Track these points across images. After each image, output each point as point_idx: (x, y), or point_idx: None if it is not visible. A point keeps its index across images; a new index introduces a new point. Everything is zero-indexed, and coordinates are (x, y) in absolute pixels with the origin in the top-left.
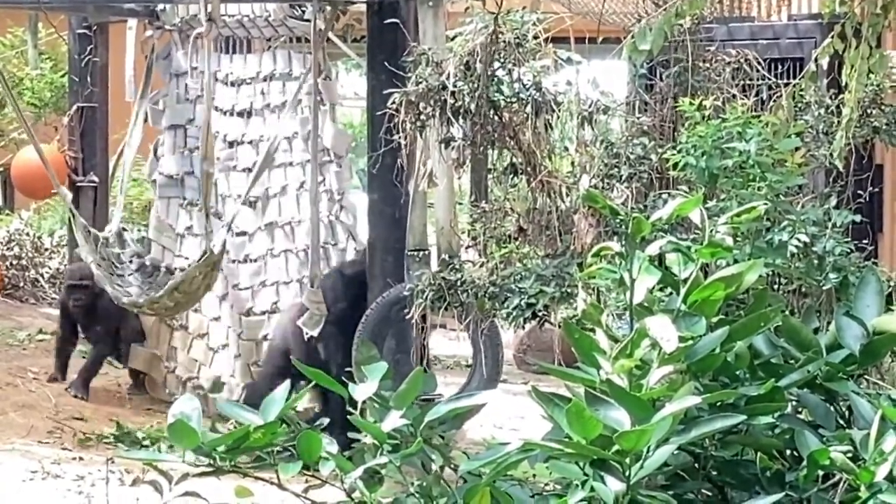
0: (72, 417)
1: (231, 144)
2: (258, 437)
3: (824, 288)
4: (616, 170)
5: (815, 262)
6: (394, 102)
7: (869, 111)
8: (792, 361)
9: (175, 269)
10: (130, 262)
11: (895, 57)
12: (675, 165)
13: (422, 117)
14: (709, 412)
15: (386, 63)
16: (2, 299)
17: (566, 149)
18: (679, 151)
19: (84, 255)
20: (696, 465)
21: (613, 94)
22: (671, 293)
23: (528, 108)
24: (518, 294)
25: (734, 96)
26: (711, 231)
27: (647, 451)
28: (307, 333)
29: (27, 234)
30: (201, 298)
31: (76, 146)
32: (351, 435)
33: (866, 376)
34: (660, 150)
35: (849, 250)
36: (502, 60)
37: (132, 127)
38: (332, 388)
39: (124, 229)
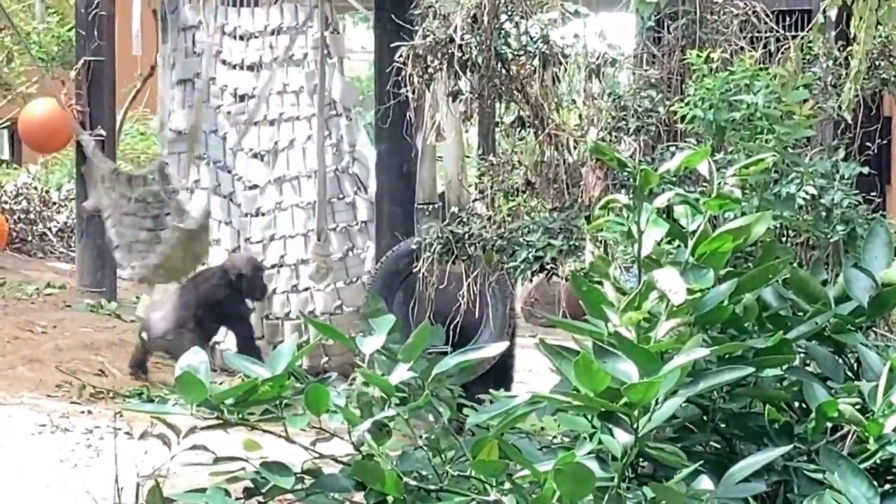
0: (80, 371)
1: (241, 98)
2: (266, 389)
3: (832, 240)
4: (624, 122)
5: (823, 214)
6: (401, 56)
7: (877, 63)
8: (800, 314)
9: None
10: (169, 198)
11: None
12: (682, 118)
13: (429, 71)
14: (717, 364)
15: (393, 16)
16: (10, 253)
17: (574, 102)
18: (687, 104)
19: (98, 200)
20: (705, 417)
21: (621, 47)
22: (679, 245)
23: (536, 61)
24: (525, 247)
25: (742, 48)
26: (720, 183)
27: (656, 404)
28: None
29: (35, 189)
30: (192, 268)
31: (83, 100)
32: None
33: (874, 328)
34: (667, 103)
35: (857, 202)
36: (510, 13)
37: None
38: (342, 340)
39: (166, 164)
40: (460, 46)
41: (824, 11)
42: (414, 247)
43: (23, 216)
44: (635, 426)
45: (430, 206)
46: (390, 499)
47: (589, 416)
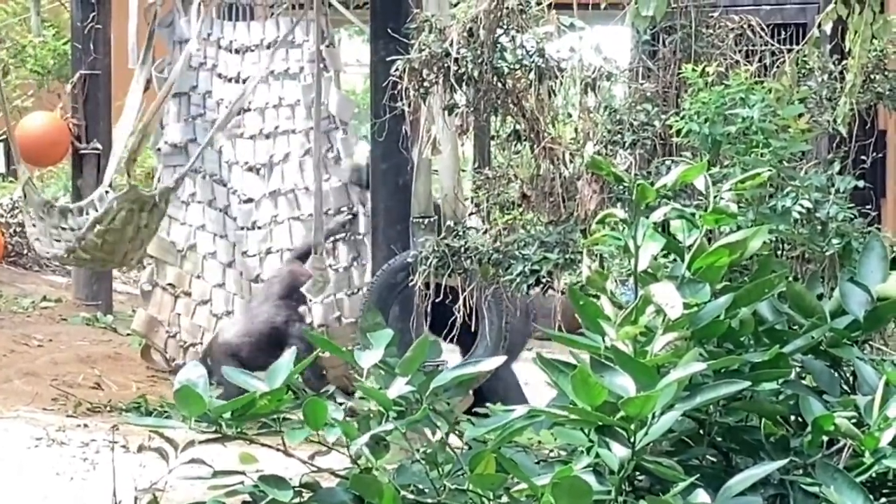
0: (76, 385)
1: (238, 112)
2: (264, 403)
3: (827, 254)
4: (619, 136)
5: (819, 227)
6: (397, 69)
7: (872, 77)
8: (796, 328)
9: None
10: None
11: None
12: (678, 132)
13: (425, 84)
14: (713, 378)
15: (389, 30)
16: (6, 267)
17: (569, 115)
18: (682, 118)
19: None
20: (701, 431)
21: (616, 61)
22: (675, 260)
23: (532, 75)
24: (521, 260)
25: (737, 62)
26: (716, 197)
27: (653, 418)
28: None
29: None
30: (136, 248)
31: (79, 113)
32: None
33: (870, 342)
34: (663, 117)
35: (852, 216)
36: (505, 27)
37: (131, 93)
38: (339, 354)
39: (112, 187)
40: (456, 60)
41: (819, 25)
42: (410, 260)
43: (18, 229)
44: (632, 440)
45: (426, 220)
46: None
47: (586, 430)
